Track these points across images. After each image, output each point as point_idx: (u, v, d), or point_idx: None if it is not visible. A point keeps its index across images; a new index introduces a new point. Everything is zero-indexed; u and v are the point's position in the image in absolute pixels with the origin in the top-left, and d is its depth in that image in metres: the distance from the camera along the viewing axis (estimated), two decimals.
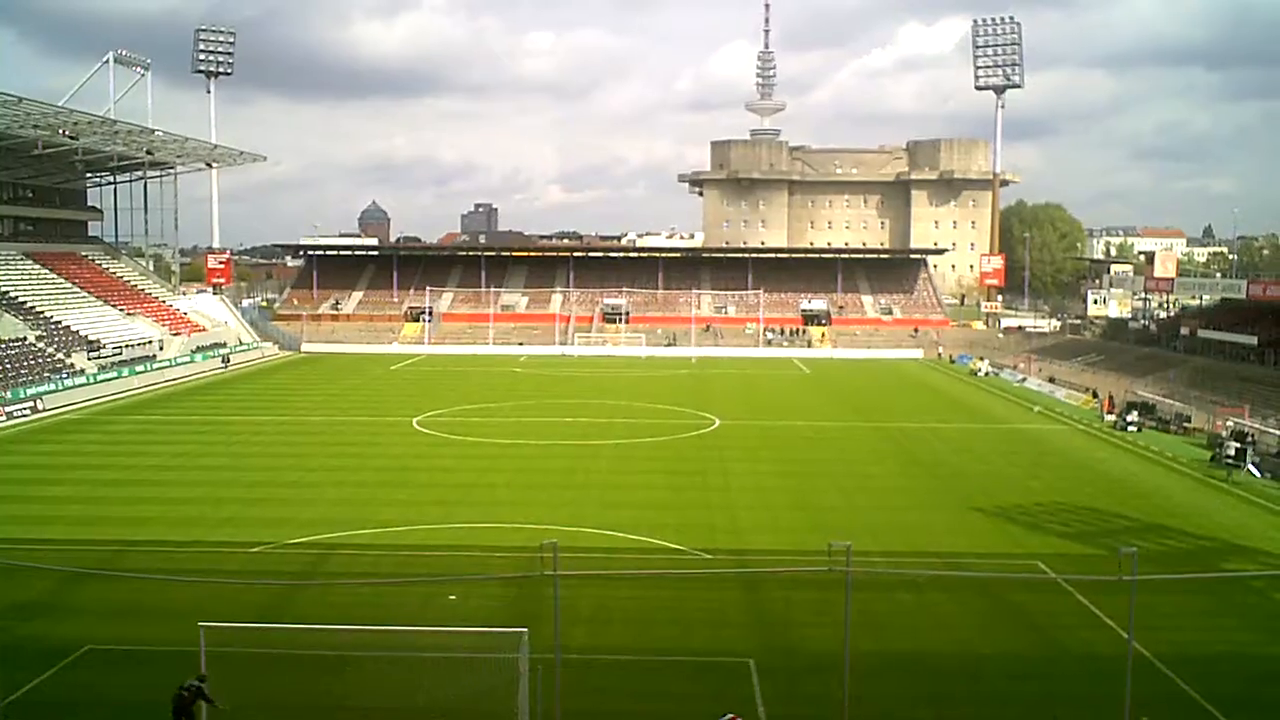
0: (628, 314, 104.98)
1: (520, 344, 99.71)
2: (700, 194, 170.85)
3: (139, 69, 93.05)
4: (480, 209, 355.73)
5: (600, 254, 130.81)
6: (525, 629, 18.21)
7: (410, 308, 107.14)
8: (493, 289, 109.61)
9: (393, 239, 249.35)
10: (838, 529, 30.76)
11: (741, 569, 28.96)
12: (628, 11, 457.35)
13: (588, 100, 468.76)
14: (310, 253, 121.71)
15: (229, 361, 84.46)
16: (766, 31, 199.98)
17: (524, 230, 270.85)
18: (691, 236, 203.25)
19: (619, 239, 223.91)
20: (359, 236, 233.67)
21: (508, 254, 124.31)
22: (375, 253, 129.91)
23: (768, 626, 25.06)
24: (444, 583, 26.84)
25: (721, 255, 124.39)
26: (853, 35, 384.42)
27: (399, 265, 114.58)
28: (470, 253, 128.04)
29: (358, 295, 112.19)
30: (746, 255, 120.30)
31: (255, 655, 20.13)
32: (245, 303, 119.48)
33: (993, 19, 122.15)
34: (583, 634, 23.18)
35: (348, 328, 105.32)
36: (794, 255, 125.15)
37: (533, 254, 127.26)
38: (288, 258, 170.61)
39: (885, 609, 25.50)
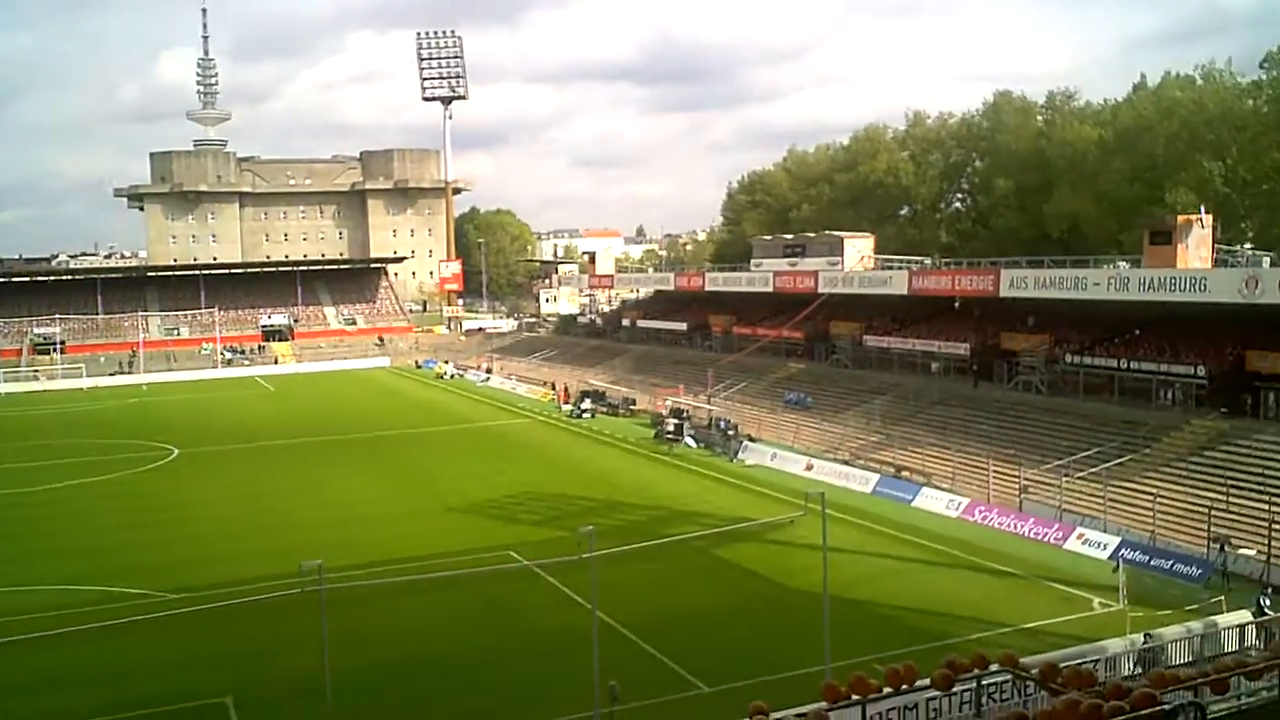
0: (63, 343, 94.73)
1: None
2: (141, 209, 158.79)
3: None
4: None
5: (26, 279, 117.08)
6: None
7: None
8: None
9: None
10: (314, 547, 29.99)
11: (214, 604, 27.43)
12: (59, 14, 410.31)
13: (10, 109, 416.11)
14: None
15: None
16: (205, 38, 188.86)
17: None
18: (135, 255, 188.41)
19: (49, 260, 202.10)
20: None
21: None
22: None
23: (245, 660, 24.10)
24: None
25: (169, 273, 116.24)
26: (306, 46, 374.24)
27: None
28: None
29: None
30: (196, 272, 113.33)
31: None
32: None
33: (436, 32, 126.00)
34: (30, 704, 20.78)
35: None
36: (248, 270, 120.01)
37: None
38: None
39: (364, 622, 25.44)
